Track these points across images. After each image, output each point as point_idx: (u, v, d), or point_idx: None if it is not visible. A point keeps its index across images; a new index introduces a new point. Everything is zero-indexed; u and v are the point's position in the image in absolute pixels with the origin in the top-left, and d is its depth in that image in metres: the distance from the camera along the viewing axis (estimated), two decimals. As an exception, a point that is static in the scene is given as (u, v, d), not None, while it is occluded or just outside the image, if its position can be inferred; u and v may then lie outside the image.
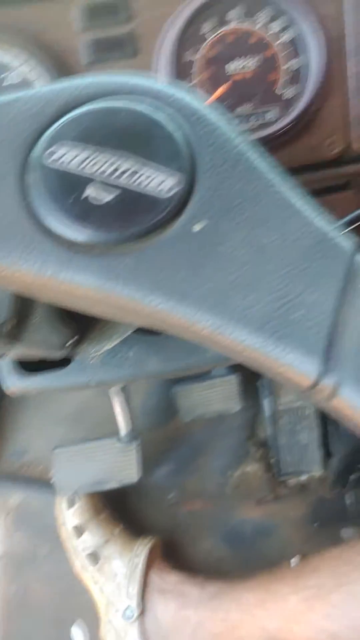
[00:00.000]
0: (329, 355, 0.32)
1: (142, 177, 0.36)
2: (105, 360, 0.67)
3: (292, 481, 1.28)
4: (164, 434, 1.35)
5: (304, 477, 1.27)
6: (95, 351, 0.60)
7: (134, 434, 1.03)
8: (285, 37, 0.59)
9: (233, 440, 1.34)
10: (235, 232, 0.36)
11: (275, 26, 0.58)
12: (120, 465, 1.07)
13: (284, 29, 0.58)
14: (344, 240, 0.36)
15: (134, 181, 0.36)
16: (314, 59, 0.58)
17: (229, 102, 0.60)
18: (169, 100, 0.37)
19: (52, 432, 1.32)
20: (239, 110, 0.60)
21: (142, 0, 0.56)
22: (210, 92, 0.59)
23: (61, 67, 0.57)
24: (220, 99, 0.59)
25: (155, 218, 0.35)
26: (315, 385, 0.32)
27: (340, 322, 0.33)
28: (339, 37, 0.59)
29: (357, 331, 0.33)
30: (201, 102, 0.38)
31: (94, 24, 0.56)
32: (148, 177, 0.36)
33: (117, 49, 0.57)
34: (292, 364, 0.33)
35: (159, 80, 0.39)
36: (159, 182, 0.36)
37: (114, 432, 1.04)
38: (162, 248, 0.35)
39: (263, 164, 0.37)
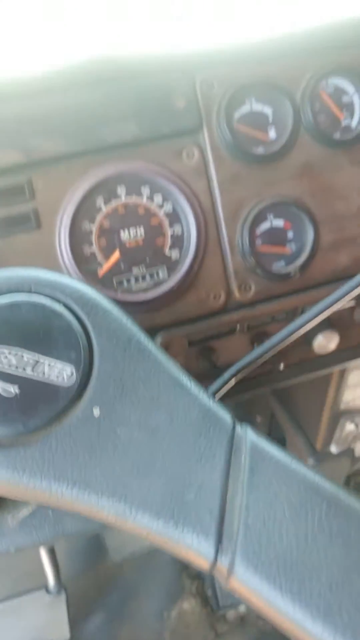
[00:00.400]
0: (221, 537, 0.36)
1: (45, 367, 0.39)
2: (25, 521, 0.66)
3: (231, 614, 1.25)
4: (94, 579, 1.28)
5: (242, 608, 1.24)
6: (12, 517, 0.59)
7: (62, 584, 0.98)
8: (167, 207, 0.68)
9: (166, 576, 1.30)
10: (130, 413, 0.40)
11: (157, 199, 0.67)
12: (50, 622, 0.99)
13: (164, 201, 0.68)
14: (224, 413, 0.41)
15: (37, 371, 0.39)
16: (192, 226, 0.67)
17: (125, 266, 0.67)
18: (67, 292, 0.42)
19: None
20: (135, 271, 0.67)
21: (42, 182, 0.63)
22: (108, 257, 0.66)
23: None
24: (117, 263, 0.66)
25: (57, 407, 0.38)
26: (213, 566, 0.35)
27: (228, 499, 0.37)
28: (211, 208, 0.70)
29: (242, 508, 0.37)
30: (95, 291, 0.43)
31: (0, 203, 0.62)
32: (49, 366, 0.39)
33: (22, 224, 0.63)
34: (191, 547, 0.36)
35: (56, 272, 0.43)
36: (59, 370, 0.39)
37: (42, 583, 0.98)
38: (64, 436, 0.38)
39: (151, 346, 0.42)
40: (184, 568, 1.31)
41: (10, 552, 0.65)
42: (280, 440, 1.37)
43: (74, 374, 0.39)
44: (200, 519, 0.37)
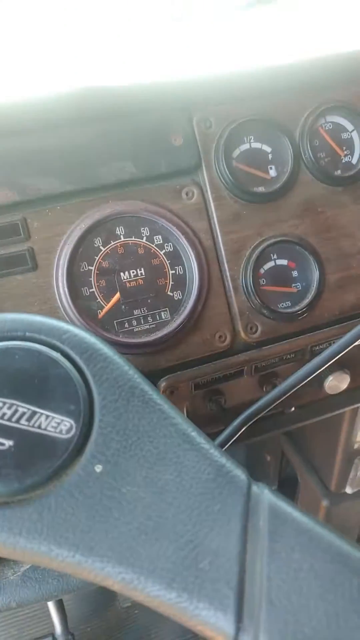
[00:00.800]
0: (241, 611, 0.32)
1: (41, 419, 0.36)
2: (26, 574, 0.61)
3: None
4: (104, 625, 1.20)
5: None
6: (13, 572, 0.55)
7: (70, 631, 0.92)
8: (167, 248, 0.66)
9: (176, 623, 1.22)
10: (136, 471, 0.36)
11: (157, 239, 0.66)
12: None
13: (165, 242, 0.66)
14: (238, 471, 0.37)
15: (33, 423, 0.36)
16: (194, 266, 0.66)
17: (126, 307, 0.64)
18: (64, 337, 0.39)
19: None
20: (136, 313, 0.65)
21: (37, 221, 0.62)
22: (108, 298, 0.63)
23: None
24: (117, 305, 0.64)
25: (56, 463, 0.35)
26: None
27: (247, 568, 0.33)
28: (213, 247, 0.68)
29: (264, 579, 0.33)
30: (94, 337, 0.40)
31: None
32: (47, 417, 0.36)
33: (17, 264, 0.61)
34: (208, 623, 0.31)
35: (53, 319, 0.41)
36: (58, 422, 0.36)
37: (48, 630, 0.92)
38: (64, 494, 0.35)
39: (156, 396, 0.39)
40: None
41: (12, 607, 0.60)
42: (292, 481, 1.32)
43: (74, 427, 0.36)
44: (217, 591, 0.33)
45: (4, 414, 0.36)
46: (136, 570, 0.33)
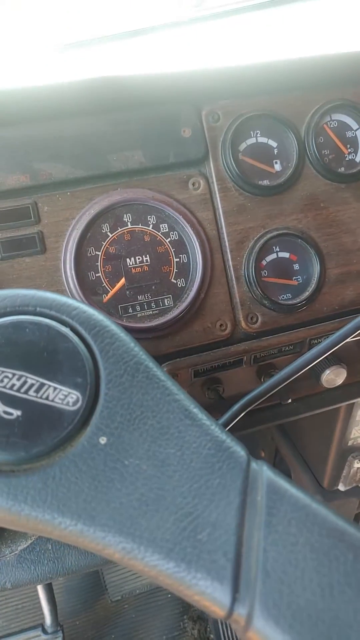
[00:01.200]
0: (238, 583, 0.33)
1: (49, 391, 0.37)
2: (23, 555, 0.62)
3: (235, 660, 1.17)
4: (93, 618, 1.21)
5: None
6: (10, 551, 0.56)
7: (59, 623, 0.92)
8: (173, 236, 0.67)
9: (167, 617, 1.23)
10: (138, 444, 0.37)
11: (163, 227, 0.67)
12: None
13: (170, 230, 0.67)
14: (238, 448, 0.38)
15: (41, 395, 0.37)
16: (198, 254, 0.67)
17: (131, 293, 0.66)
18: (73, 314, 0.40)
19: None
20: (140, 298, 0.66)
21: (48, 206, 0.63)
22: (113, 283, 0.65)
23: None
24: (122, 290, 0.65)
25: (62, 434, 0.36)
26: (229, 615, 0.32)
27: (244, 540, 0.34)
28: (217, 237, 0.69)
29: (260, 551, 0.34)
30: (102, 315, 0.41)
31: (5, 225, 0.61)
32: (55, 390, 0.37)
33: (27, 247, 0.62)
34: (205, 592, 0.32)
35: (63, 295, 0.42)
36: (65, 395, 0.37)
37: (37, 621, 0.92)
38: (69, 464, 0.36)
39: (160, 373, 0.40)
40: (185, 610, 1.25)
41: (6, 590, 0.61)
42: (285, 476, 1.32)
43: (80, 399, 0.37)
44: (215, 562, 0.34)
45: (13, 385, 0.37)
46: (136, 540, 0.34)
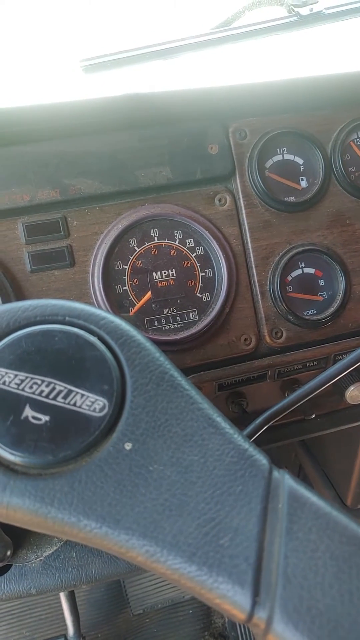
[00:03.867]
0: (258, 587, 0.33)
1: (77, 397, 0.38)
2: (47, 562, 0.63)
3: None
4: (114, 630, 1.21)
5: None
6: (36, 557, 0.57)
7: (82, 634, 0.93)
8: (199, 251, 0.69)
9: (188, 632, 1.21)
10: (163, 451, 0.38)
11: (189, 242, 0.68)
12: None
13: (196, 245, 0.69)
14: (260, 456, 0.39)
15: (69, 401, 0.38)
16: (223, 269, 0.68)
17: (157, 306, 0.67)
18: (101, 323, 0.42)
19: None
20: (166, 312, 0.67)
21: (77, 220, 0.65)
22: (139, 297, 0.66)
23: (7, 273, 0.63)
24: (148, 303, 0.66)
25: (88, 439, 0.37)
26: (250, 619, 0.32)
27: (265, 546, 0.34)
28: (242, 252, 0.70)
29: (281, 557, 0.34)
30: (128, 325, 0.42)
31: (36, 239, 0.64)
32: (82, 396, 0.38)
33: (56, 260, 0.64)
34: (226, 596, 0.33)
35: (91, 305, 0.43)
36: (92, 401, 0.38)
37: (60, 632, 0.93)
38: (95, 469, 0.37)
39: (185, 382, 0.41)
40: (207, 626, 1.24)
41: (31, 596, 0.62)
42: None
43: (107, 406, 0.38)
44: (236, 566, 0.34)
45: (42, 391, 0.38)
46: (159, 544, 0.35)
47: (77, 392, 0.38)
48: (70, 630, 0.94)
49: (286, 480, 0.38)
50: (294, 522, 0.36)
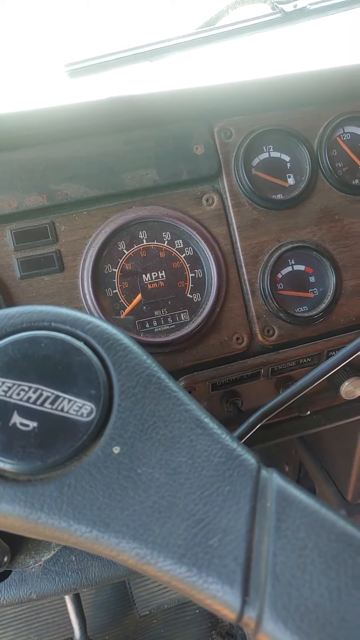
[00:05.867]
0: (247, 586, 0.33)
1: (64, 403, 0.38)
2: (47, 567, 0.63)
3: None
4: (121, 632, 1.21)
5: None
6: (34, 562, 0.57)
7: (88, 636, 0.93)
8: (188, 251, 0.69)
9: (195, 632, 1.22)
10: (151, 453, 0.38)
11: (178, 243, 0.69)
12: None
13: (185, 246, 0.69)
14: (249, 456, 0.39)
15: (56, 407, 0.38)
16: (213, 269, 0.68)
17: (148, 308, 0.67)
18: (87, 328, 0.42)
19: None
20: (156, 313, 0.67)
21: (66, 225, 0.65)
22: (130, 299, 0.66)
23: None
24: (138, 306, 0.67)
25: (76, 444, 0.37)
26: (240, 618, 0.33)
27: (254, 546, 0.34)
28: (232, 252, 0.70)
29: (270, 556, 0.34)
30: (115, 328, 0.43)
31: (24, 245, 0.64)
32: (69, 402, 0.38)
33: (46, 265, 0.64)
34: (216, 596, 0.33)
35: (76, 310, 0.43)
36: (79, 406, 0.38)
37: (67, 635, 0.94)
38: (83, 473, 0.37)
39: (172, 384, 0.41)
40: (214, 625, 1.24)
41: (32, 601, 0.63)
42: (310, 491, 1.31)
43: (94, 410, 0.38)
44: (225, 566, 0.34)
45: (29, 398, 0.38)
46: (149, 546, 0.35)
47: (65, 398, 0.38)
48: (77, 633, 0.94)
49: (274, 479, 0.38)
50: (282, 520, 0.36)
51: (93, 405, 0.38)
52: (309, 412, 0.79)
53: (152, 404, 0.40)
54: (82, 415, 0.38)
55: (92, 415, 0.38)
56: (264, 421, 0.63)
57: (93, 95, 0.63)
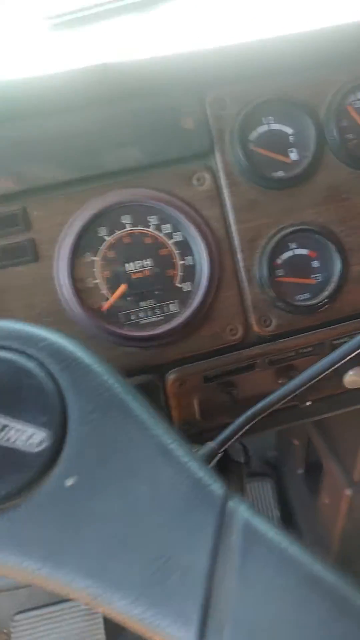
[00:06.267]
0: (204, 630, 0.31)
1: (11, 432, 0.35)
2: None
3: None
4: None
5: None
6: None
7: None
8: (177, 237, 0.64)
9: None
10: (108, 484, 0.35)
11: (166, 228, 0.63)
12: (86, 631, 0.98)
13: (174, 231, 0.63)
14: (216, 485, 0.36)
15: (2, 436, 0.35)
16: (204, 256, 0.63)
17: (133, 299, 0.63)
18: (40, 346, 0.38)
19: (14, 595, 1.21)
20: (143, 304, 0.63)
21: (38, 211, 0.60)
22: (113, 290, 0.62)
23: None
24: (123, 296, 0.62)
25: (26, 477, 0.34)
26: None
27: (215, 586, 0.32)
28: (226, 236, 0.65)
29: (230, 596, 0.32)
30: (74, 344, 0.39)
31: None
32: (17, 431, 0.35)
33: (19, 255, 0.60)
34: (172, 637, 0.31)
35: (31, 324, 0.39)
36: (28, 436, 0.35)
37: None
38: (35, 507, 0.34)
39: (136, 405, 0.38)
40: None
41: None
42: (319, 467, 1.29)
43: (45, 440, 0.35)
44: (183, 607, 0.32)
45: None
46: (104, 585, 0.33)
47: (12, 427, 0.35)
48: None
49: (241, 512, 0.35)
50: (247, 558, 0.33)
51: (44, 434, 0.35)
52: (309, 403, 0.75)
53: (112, 429, 0.37)
54: (31, 445, 0.35)
55: (43, 446, 0.35)
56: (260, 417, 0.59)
57: (67, 63, 0.57)
